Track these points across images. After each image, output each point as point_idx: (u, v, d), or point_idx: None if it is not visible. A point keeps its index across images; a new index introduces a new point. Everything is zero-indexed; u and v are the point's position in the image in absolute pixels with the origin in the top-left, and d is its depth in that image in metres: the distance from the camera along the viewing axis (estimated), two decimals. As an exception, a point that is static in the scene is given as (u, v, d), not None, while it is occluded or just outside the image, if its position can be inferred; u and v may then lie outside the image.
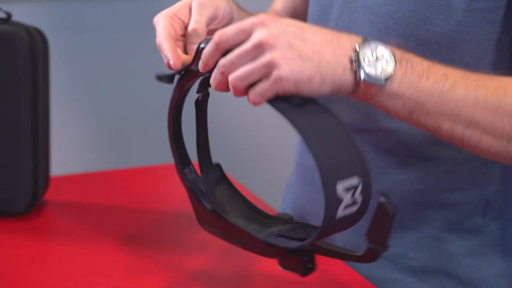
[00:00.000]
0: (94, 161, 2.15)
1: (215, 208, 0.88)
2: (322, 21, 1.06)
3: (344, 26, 1.01)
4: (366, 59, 0.80)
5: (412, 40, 0.95)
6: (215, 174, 0.90)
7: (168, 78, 0.88)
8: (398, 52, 0.82)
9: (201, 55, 0.82)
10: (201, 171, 0.90)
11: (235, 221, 0.86)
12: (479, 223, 1.02)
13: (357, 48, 0.80)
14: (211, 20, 0.97)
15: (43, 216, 1.13)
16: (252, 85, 0.79)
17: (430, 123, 0.84)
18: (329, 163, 0.75)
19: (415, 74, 0.82)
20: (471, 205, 1.02)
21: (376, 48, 0.81)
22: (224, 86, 0.81)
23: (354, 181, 0.76)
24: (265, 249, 0.84)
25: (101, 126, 2.15)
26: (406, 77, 0.82)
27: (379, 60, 0.81)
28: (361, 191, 0.76)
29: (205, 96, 0.89)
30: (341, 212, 0.76)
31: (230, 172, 1.18)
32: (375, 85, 0.80)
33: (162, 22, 0.94)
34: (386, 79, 0.81)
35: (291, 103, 0.78)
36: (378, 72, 0.80)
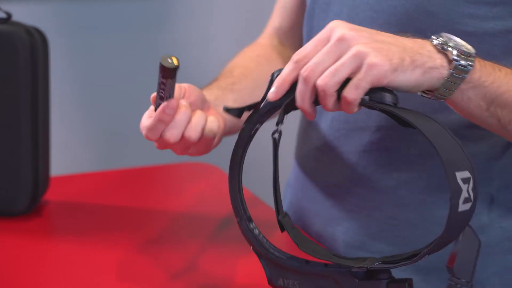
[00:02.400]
0: (93, 161, 2.15)
1: (304, 250, 0.83)
2: (320, 19, 1.05)
3: None
4: (448, 42, 0.81)
5: (416, 35, 0.95)
6: (288, 220, 0.85)
7: (238, 112, 0.85)
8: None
9: (275, 82, 0.80)
10: (278, 213, 0.85)
11: (334, 259, 0.82)
12: (485, 221, 1.02)
13: (435, 38, 0.81)
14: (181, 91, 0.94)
15: (43, 216, 1.13)
16: (341, 89, 0.78)
17: (505, 115, 0.84)
18: (448, 154, 0.75)
19: (488, 64, 0.83)
20: (478, 202, 1.02)
21: (451, 38, 0.82)
22: (310, 99, 0.79)
23: (467, 174, 0.75)
24: (360, 285, 0.81)
25: (101, 126, 2.15)
26: (483, 67, 0.82)
27: (459, 44, 0.81)
28: (472, 188, 0.76)
29: (281, 134, 0.84)
30: (461, 205, 0.75)
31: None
32: (465, 67, 0.80)
33: None
34: (472, 61, 0.81)
35: (388, 103, 0.78)
36: (464, 49, 0.81)
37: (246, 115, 0.86)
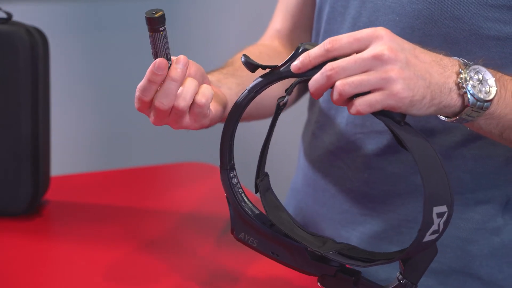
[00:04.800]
0: (94, 161, 2.15)
1: (271, 217, 0.85)
2: (336, 23, 1.05)
3: (363, 26, 1.00)
4: (470, 83, 0.81)
5: (439, 38, 0.94)
6: (266, 183, 0.87)
7: (252, 67, 0.83)
8: (494, 73, 0.83)
9: (301, 56, 0.80)
10: (257, 176, 0.87)
11: (295, 233, 0.84)
12: (500, 223, 1.02)
13: (462, 72, 0.81)
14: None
15: (43, 216, 1.14)
16: (357, 94, 0.78)
17: None
18: (433, 188, 0.77)
19: (509, 94, 0.83)
20: (494, 205, 1.01)
21: (479, 72, 0.82)
22: (323, 90, 0.79)
23: (444, 208, 0.77)
24: (312, 264, 0.83)
25: (101, 126, 2.15)
26: (501, 98, 0.83)
27: (482, 84, 0.81)
28: (444, 222, 0.78)
29: (286, 103, 0.84)
30: (428, 236, 0.77)
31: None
32: (480, 109, 0.81)
33: None
34: (488, 105, 0.81)
35: (394, 119, 0.78)
36: (482, 96, 0.81)
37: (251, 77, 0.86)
